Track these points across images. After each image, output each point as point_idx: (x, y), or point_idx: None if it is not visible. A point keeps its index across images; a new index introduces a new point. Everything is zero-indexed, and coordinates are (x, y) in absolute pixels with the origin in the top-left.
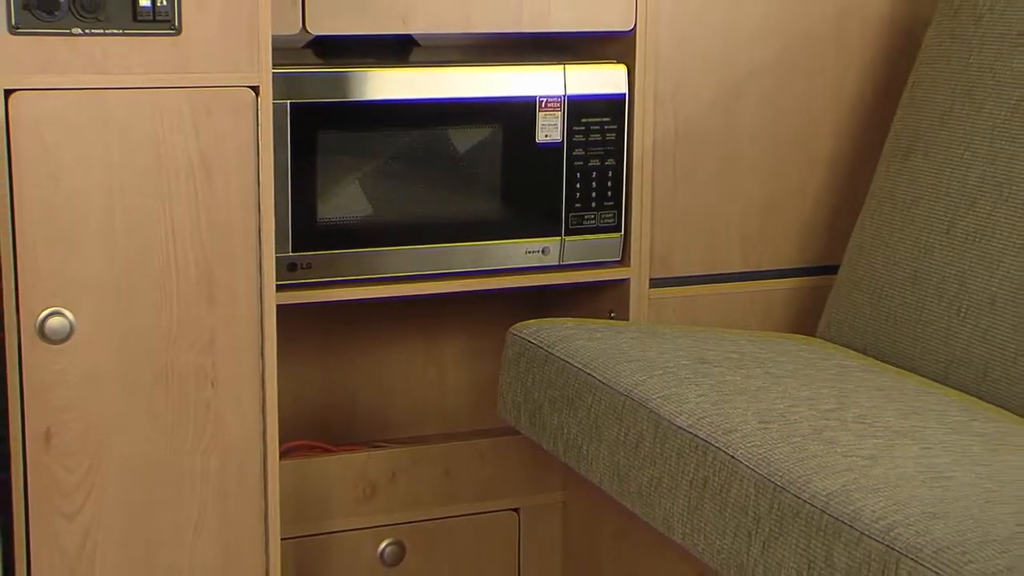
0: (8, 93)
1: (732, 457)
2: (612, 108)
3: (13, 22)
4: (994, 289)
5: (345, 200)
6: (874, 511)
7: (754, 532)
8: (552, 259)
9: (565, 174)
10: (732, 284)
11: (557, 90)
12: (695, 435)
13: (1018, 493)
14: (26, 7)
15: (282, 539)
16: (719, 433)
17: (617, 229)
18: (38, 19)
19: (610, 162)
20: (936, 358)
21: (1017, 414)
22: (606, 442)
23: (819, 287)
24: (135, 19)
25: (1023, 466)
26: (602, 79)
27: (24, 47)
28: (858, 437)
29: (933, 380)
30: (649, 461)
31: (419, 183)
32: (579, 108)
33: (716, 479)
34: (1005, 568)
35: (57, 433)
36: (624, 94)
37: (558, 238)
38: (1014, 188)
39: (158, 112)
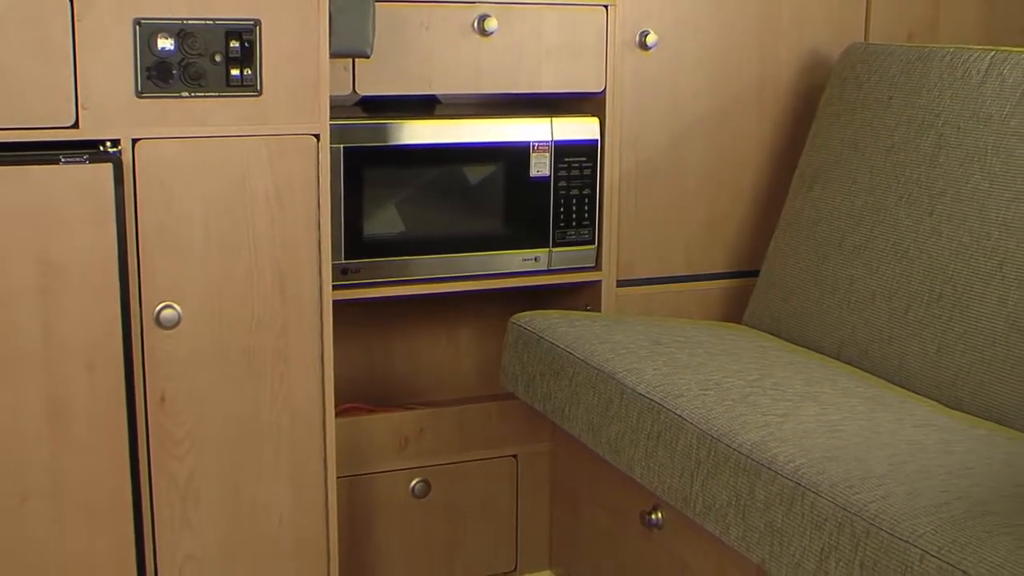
0: (135, 142)
1: (679, 416)
2: (588, 151)
3: (139, 88)
4: (874, 288)
5: (385, 220)
6: (785, 456)
7: (696, 473)
8: (542, 265)
9: (552, 200)
10: (679, 284)
11: (546, 137)
12: (651, 399)
13: (890, 441)
14: (148, 77)
15: (337, 478)
16: (669, 398)
17: (592, 242)
18: (157, 86)
19: (587, 191)
20: (831, 340)
21: (890, 382)
22: (583, 405)
23: (744, 286)
24: (227, 85)
25: (894, 420)
26: (580, 129)
27: (146, 107)
28: (774, 400)
29: (829, 357)
30: (616, 419)
31: (441, 207)
32: (563, 151)
33: (667, 433)
34: (880, 497)
35: (169, 398)
36: (597, 140)
37: (547, 249)
38: (888, 212)
39: (243, 154)
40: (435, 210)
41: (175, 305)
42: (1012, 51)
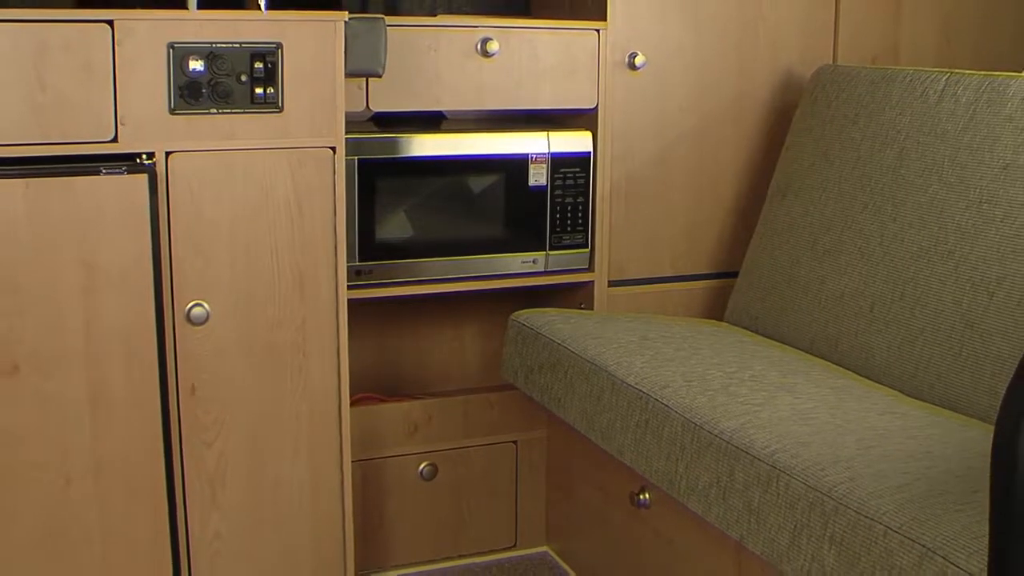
0: (168, 154)
1: (665, 405)
2: (582, 162)
3: (172, 106)
4: (842, 288)
5: (395, 225)
6: (762, 442)
7: (680, 457)
8: (540, 267)
9: (549, 208)
10: (666, 284)
11: (543, 149)
12: (640, 390)
13: (857, 427)
14: (180, 96)
15: (352, 461)
16: (656, 388)
17: (585, 246)
18: (188, 103)
19: (580, 199)
20: (804, 335)
21: (857, 374)
22: (577, 395)
23: (725, 286)
24: (252, 102)
25: (861, 409)
26: (575, 142)
27: (179, 123)
28: (752, 391)
29: (802, 351)
30: (607, 408)
31: (447, 214)
32: (559, 162)
33: (654, 421)
34: (848, 479)
35: (199, 388)
36: (590, 152)
37: (544, 252)
38: (855, 219)
39: (266, 165)
40: (442, 216)
41: (204, 303)
42: (965, 73)
